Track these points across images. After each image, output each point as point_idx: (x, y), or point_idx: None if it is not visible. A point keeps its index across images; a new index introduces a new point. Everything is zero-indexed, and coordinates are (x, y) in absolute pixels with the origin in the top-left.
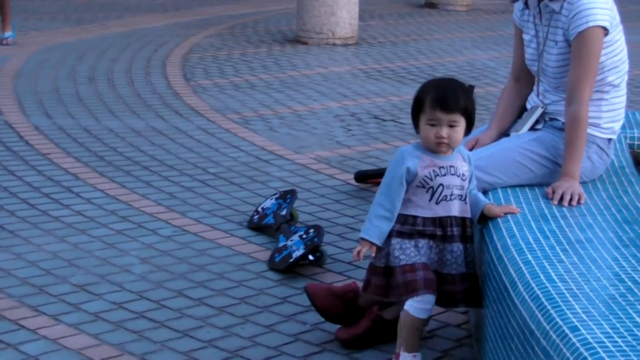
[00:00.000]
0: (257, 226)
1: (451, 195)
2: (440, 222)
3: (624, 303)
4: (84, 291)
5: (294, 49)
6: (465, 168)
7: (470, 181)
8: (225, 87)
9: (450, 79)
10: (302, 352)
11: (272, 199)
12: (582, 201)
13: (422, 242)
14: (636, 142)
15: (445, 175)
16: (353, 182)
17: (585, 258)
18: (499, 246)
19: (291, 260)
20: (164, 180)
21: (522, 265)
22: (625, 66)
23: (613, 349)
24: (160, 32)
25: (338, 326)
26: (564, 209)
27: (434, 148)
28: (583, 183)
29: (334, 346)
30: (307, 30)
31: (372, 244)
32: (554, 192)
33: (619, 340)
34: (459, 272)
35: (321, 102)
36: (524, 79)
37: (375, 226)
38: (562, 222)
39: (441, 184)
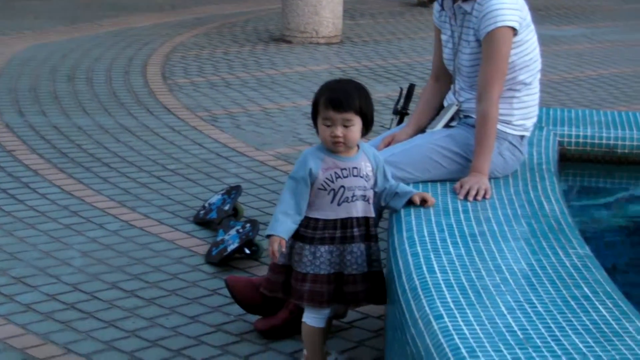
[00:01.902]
0: (202, 221)
1: (353, 196)
2: (342, 223)
3: (494, 292)
4: (21, 283)
5: (277, 47)
6: (369, 168)
7: (384, 177)
8: (201, 85)
9: (347, 79)
10: (221, 341)
11: (218, 195)
12: (487, 196)
13: (322, 250)
14: (565, 139)
15: (347, 177)
16: None
17: (472, 250)
18: (396, 239)
19: (225, 253)
20: (122, 176)
21: (410, 257)
22: (538, 65)
23: (469, 336)
24: (148, 31)
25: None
26: (469, 203)
27: (332, 148)
28: (495, 178)
29: (252, 336)
30: (291, 30)
31: (281, 238)
32: (461, 187)
33: (477, 327)
34: (360, 272)
35: (293, 100)
36: (443, 78)
37: (282, 222)
38: (461, 215)
39: (342, 186)
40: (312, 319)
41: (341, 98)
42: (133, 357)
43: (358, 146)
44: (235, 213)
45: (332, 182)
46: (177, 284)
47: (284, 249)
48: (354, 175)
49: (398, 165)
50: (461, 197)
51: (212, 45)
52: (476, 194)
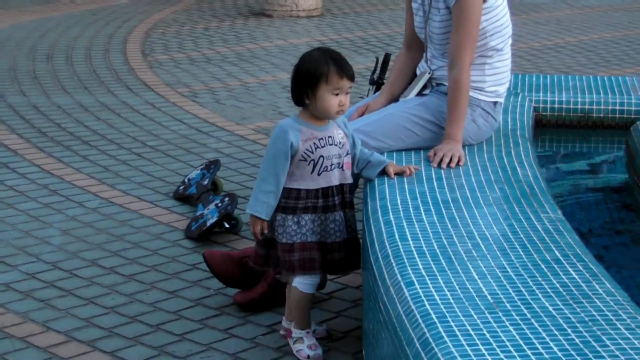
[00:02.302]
0: (182, 196)
1: (331, 165)
2: (323, 192)
3: (466, 258)
4: (1, 263)
5: (257, 22)
6: (341, 135)
7: (353, 144)
8: (181, 61)
9: (331, 49)
10: (200, 316)
11: (198, 170)
12: (461, 163)
13: (306, 218)
14: (541, 105)
15: (324, 146)
16: None
17: (444, 217)
18: (369, 208)
19: (204, 228)
20: (101, 154)
21: (382, 225)
22: (509, 31)
23: (440, 301)
24: (127, 8)
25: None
26: (442, 171)
27: (333, 116)
28: (469, 145)
29: (232, 309)
30: (271, 3)
31: (263, 220)
32: (434, 155)
33: (448, 293)
34: (341, 238)
35: (273, 74)
36: (415, 47)
37: (262, 202)
38: (435, 183)
39: (322, 156)
40: (303, 284)
41: (350, 67)
42: (112, 332)
43: None
44: (215, 187)
45: (312, 152)
46: (157, 260)
47: (266, 231)
48: (330, 144)
49: (372, 135)
50: (435, 164)
51: (192, 22)
52: (450, 161)
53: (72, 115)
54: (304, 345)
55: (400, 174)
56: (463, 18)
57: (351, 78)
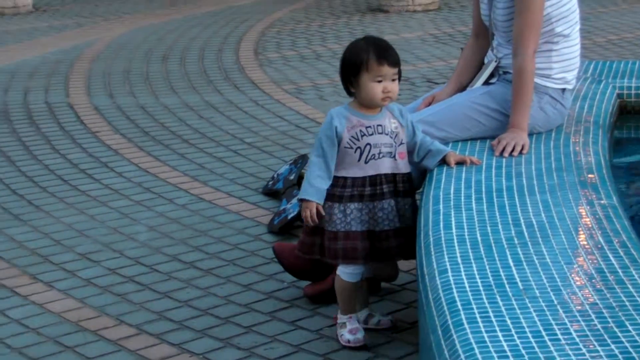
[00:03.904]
0: (270, 191)
1: (379, 153)
2: (370, 180)
3: (506, 245)
4: (85, 259)
5: (373, 18)
6: (395, 124)
7: (413, 134)
8: (291, 59)
9: (377, 37)
10: (270, 308)
11: (287, 164)
12: (524, 151)
13: (351, 207)
14: (625, 92)
15: (372, 134)
16: None
17: (494, 205)
18: (424, 197)
19: (286, 222)
20: (199, 151)
21: (430, 214)
22: (575, 16)
23: (468, 289)
24: (248, 9)
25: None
26: (504, 159)
27: (380, 103)
28: (537, 133)
29: (302, 302)
30: None
31: (316, 203)
32: (498, 143)
33: (479, 280)
34: (392, 227)
35: None
36: (483, 35)
37: (314, 186)
38: (493, 172)
39: (368, 144)
40: (345, 274)
41: (392, 53)
42: (182, 325)
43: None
44: (300, 182)
45: (358, 140)
46: (236, 254)
47: (323, 213)
48: (379, 133)
49: (436, 125)
50: (497, 153)
51: (309, 19)
52: (512, 150)
53: (176, 115)
54: (346, 329)
55: (461, 163)
56: (525, 4)
57: (393, 64)
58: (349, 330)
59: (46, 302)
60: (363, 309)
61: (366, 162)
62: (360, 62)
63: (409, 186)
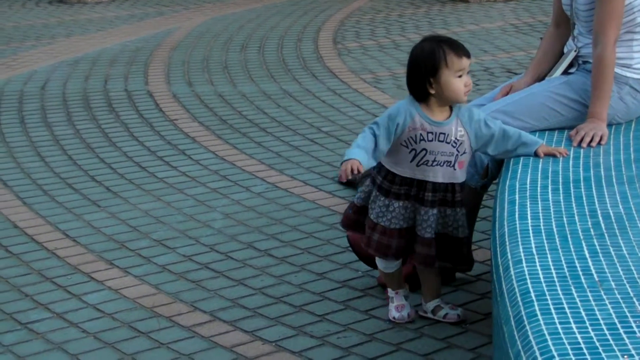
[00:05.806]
0: (346, 180)
1: (434, 161)
2: (418, 183)
3: (582, 237)
4: (161, 245)
5: (453, 7)
6: (461, 132)
7: (485, 126)
8: (370, 48)
9: (438, 34)
10: (344, 297)
11: None
12: (603, 142)
13: (395, 205)
14: None
15: (432, 141)
16: None
17: (570, 196)
18: (499, 188)
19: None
20: (276, 140)
21: (506, 204)
22: None
23: (543, 280)
24: None
25: None
26: (582, 150)
27: (462, 99)
28: (617, 124)
29: (375, 291)
30: None
31: (358, 161)
32: (576, 133)
33: (554, 271)
34: (430, 235)
35: None
36: (564, 24)
37: (357, 151)
38: (571, 162)
39: (424, 149)
40: (380, 261)
41: (463, 46)
42: (255, 312)
43: (451, 108)
44: None
45: (415, 142)
46: (311, 242)
47: (361, 169)
48: (439, 141)
49: (514, 115)
50: (575, 144)
51: (388, 9)
52: (591, 140)
53: (254, 103)
54: (393, 305)
55: (551, 155)
56: None
57: (469, 55)
58: (396, 306)
59: (122, 287)
60: (433, 299)
61: (417, 165)
62: (439, 60)
63: (460, 196)
